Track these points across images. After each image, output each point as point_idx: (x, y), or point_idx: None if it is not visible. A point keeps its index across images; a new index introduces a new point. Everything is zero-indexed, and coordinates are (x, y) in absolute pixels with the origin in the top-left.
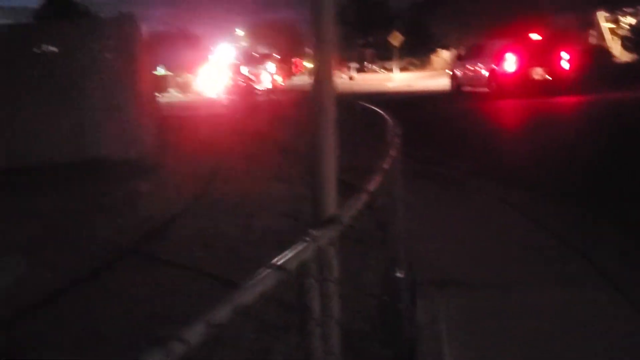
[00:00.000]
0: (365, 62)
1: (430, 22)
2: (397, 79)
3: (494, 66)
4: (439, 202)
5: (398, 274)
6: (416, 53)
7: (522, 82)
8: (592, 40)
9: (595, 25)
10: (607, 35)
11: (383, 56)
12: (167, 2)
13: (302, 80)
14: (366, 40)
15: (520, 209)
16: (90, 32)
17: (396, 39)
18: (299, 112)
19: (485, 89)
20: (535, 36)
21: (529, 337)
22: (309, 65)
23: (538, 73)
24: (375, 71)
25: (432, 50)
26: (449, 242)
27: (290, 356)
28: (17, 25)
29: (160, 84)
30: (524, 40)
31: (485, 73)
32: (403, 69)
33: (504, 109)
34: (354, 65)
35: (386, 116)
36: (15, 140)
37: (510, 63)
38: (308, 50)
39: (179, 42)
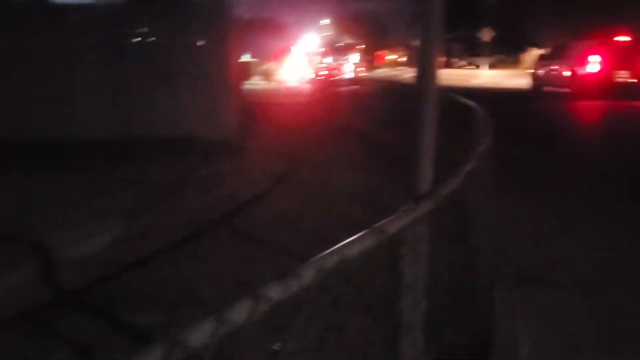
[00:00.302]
0: (452, 57)
1: (524, 19)
2: (484, 75)
3: (576, 67)
4: (522, 199)
5: (477, 267)
6: (507, 50)
7: (604, 84)
8: None
9: None
10: None
11: (471, 52)
12: None
13: (384, 72)
14: (454, 35)
15: (606, 210)
16: (186, 16)
17: (487, 34)
18: (380, 103)
19: (567, 90)
20: (622, 38)
21: (607, 339)
22: (391, 57)
23: (622, 76)
24: (462, 66)
25: (524, 48)
26: (533, 239)
27: (362, 333)
28: (112, 6)
29: (246, 70)
30: (609, 42)
31: (567, 73)
32: (492, 65)
33: (584, 110)
34: (440, 59)
35: (476, 108)
36: (119, 116)
37: (593, 64)
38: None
39: (265, 29)
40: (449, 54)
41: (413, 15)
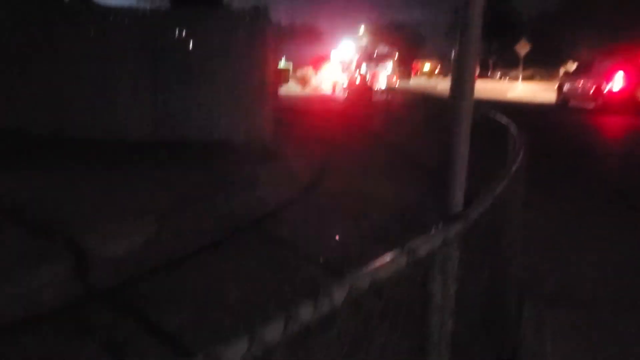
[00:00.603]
0: (487, 69)
1: (560, 33)
2: (519, 88)
3: (600, 83)
4: (553, 215)
5: (507, 281)
6: (542, 64)
7: (627, 101)
8: None
9: None
10: None
11: (507, 64)
12: None
13: (419, 82)
14: (490, 47)
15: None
16: (226, 22)
17: (523, 47)
18: (414, 114)
19: (591, 105)
20: None
21: None
22: (426, 67)
23: None
24: (497, 78)
25: (560, 62)
26: (563, 257)
27: (389, 347)
28: (157, 11)
29: (282, 76)
30: (633, 59)
31: (592, 89)
32: (527, 78)
33: (606, 126)
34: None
35: (510, 125)
36: (157, 117)
37: (617, 81)
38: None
39: (302, 36)
40: (485, 66)
41: (450, 26)
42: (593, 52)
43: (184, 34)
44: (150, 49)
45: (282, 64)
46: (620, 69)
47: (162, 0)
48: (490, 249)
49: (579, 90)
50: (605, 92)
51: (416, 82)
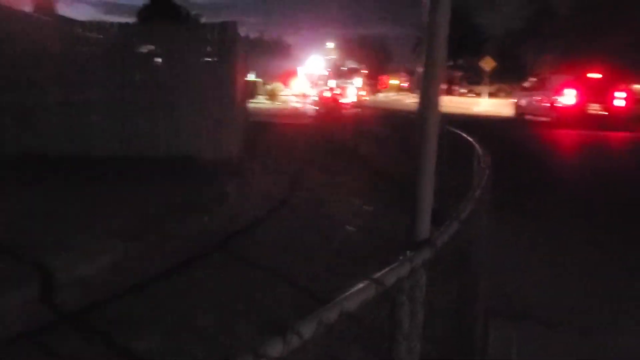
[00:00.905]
0: (454, 84)
1: (524, 50)
2: (484, 103)
3: (554, 98)
4: (519, 231)
5: (474, 303)
6: (507, 80)
7: (578, 115)
8: None
9: None
10: None
11: (472, 80)
12: (263, 10)
13: (387, 96)
14: (456, 63)
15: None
16: (193, 36)
17: (488, 64)
18: (381, 127)
19: (546, 119)
20: (594, 75)
21: None
22: (394, 82)
23: (594, 108)
24: (463, 94)
25: (524, 78)
26: (529, 273)
27: None
28: (124, 25)
29: (251, 89)
30: (583, 77)
31: (547, 104)
32: (492, 94)
33: (560, 138)
34: (443, 86)
35: (476, 145)
36: (122, 133)
37: (568, 97)
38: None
39: (271, 50)
40: (451, 82)
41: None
42: (548, 68)
43: (151, 48)
44: (120, 63)
45: (252, 77)
46: (571, 86)
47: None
48: (457, 267)
49: (535, 105)
50: (558, 107)
51: (385, 95)
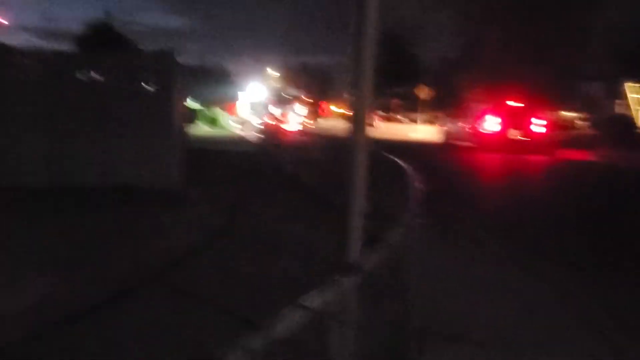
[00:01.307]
0: (391, 111)
1: (459, 79)
2: (420, 130)
3: (477, 125)
4: (451, 255)
5: (408, 324)
6: (443, 107)
7: (500, 141)
8: (620, 109)
9: (623, 95)
10: (634, 105)
11: (409, 107)
12: (204, 37)
13: (328, 123)
14: (394, 90)
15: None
16: (132, 64)
17: (423, 91)
18: (320, 153)
19: (470, 144)
20: (514, 103)
21: None
22: (335, 109)
23: (514, 134)
24: (400, 121)
25: (459, 105)
26: (461, 298)
27: None
28: (60, 53)
29: (190, 116)
30: (504, 105)
31: (470, 130)
32: (428, 121)
33: (485, 161)
34: (380, 113)
35: (408, 170)
36: (54, 162)
37: (490, 124)
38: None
39: (212, 77)
40: (389, 109)
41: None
42: (469, 96)
43: (87, 75)
44: (51, 90)
45: (191, 104)
46: (493, 113)
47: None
48: (390, 292)
49: (460, 131)
50: (481, 133)
51: (327, 122)
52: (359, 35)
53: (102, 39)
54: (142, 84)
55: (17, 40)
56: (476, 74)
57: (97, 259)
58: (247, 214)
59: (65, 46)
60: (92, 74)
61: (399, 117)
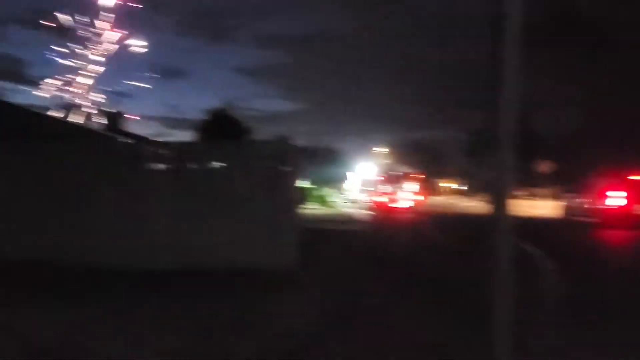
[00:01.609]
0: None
1: (583, 152)
2: (544, 206)
3: (600, 200)
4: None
5: None
6: (563, 181)
7: (625, 216)
8: None
9: None
10: None
11: (530, 183)
12: (313, 118)
13: (440, 200)
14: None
15: None
16: (250, 151)
17: (545, 166)
18: (440, 234)
19: (594, 219)
20: (636, 177)
21: None
22: (447, 185)
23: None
24: (521, 197)
25: (577, 180)
26: None
27: None
28: (186, 143)
29: (304, 196)
30: (627, 179)
31: (593, 206)
32: (552, 196)
33: (612, 238)
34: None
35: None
36: (179, 246)
37: (614, 199)
38: (448, 170)
39: (321, 156)
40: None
41: (472, 145)
42: (590, 170)
43: (211, 164)
44: (176, 177)
45: (304, 184)
46: (617, 189)
47: (192, 128)
48: None
49: (582, 207)
50: (604, 209)
51: (439, 199)
52: (497, 109)
53: (220, 125)
54: (260, 169)
55: (147, 128)
56: (598, 147)
57: (217, 344)
58: (362, 297)
59: (188, 133)
60: (213, 161)
61: (519, 193)
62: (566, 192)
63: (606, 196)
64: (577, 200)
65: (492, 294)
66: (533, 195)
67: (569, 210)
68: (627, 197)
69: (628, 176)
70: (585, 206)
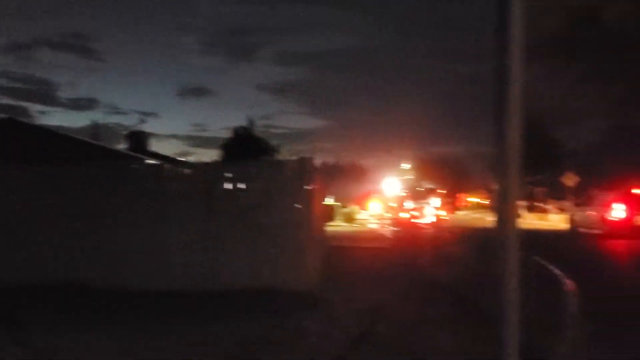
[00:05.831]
0: (535, 202)
1: (607, 164)
2: (553, 219)
3: (604, 212)
4: None
5: None
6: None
7: (628, 227)
8: None
9: None
10: None
11: (556, 195)
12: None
13: (466, 215)
14: (536, 178)
15: None
16: (273, 172)
17: (570, 179)
18: (463, 250)
19: (599, 231)
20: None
21: None
22: (472, 199)
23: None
24: (546, 211)
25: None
26: None
27: None
28: (211, 163)
29: (328, 213)
30: (629, 193)
31: (598, 217)
32: (562, 209)
33: (616, 247)
34: (523, 203)
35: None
36: (207, 266)
37: (618, 211)
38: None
39: (347, 173)
40: (532, 198)
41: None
42: (597, 184)
43: (233, 183)
44: (201, 198)
45: (329, 201)
46: (620, 201)
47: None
48: None
49: (588, 219)
50: (609, 220)
51: (463, 214)
52: (503, 121)
53: (244, 144)
54: (282, 190)
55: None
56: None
57: None
58: (386, 317)
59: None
60: (237, 181)
61: (545, 206)
62: (575, 205)
63: (611, 208)
64: (584, 212)
65: (501, 311)
66: (561, 209)
67: (574, 222)
68: (628, 209)
69: (631, 189)
70: (592, 218)
